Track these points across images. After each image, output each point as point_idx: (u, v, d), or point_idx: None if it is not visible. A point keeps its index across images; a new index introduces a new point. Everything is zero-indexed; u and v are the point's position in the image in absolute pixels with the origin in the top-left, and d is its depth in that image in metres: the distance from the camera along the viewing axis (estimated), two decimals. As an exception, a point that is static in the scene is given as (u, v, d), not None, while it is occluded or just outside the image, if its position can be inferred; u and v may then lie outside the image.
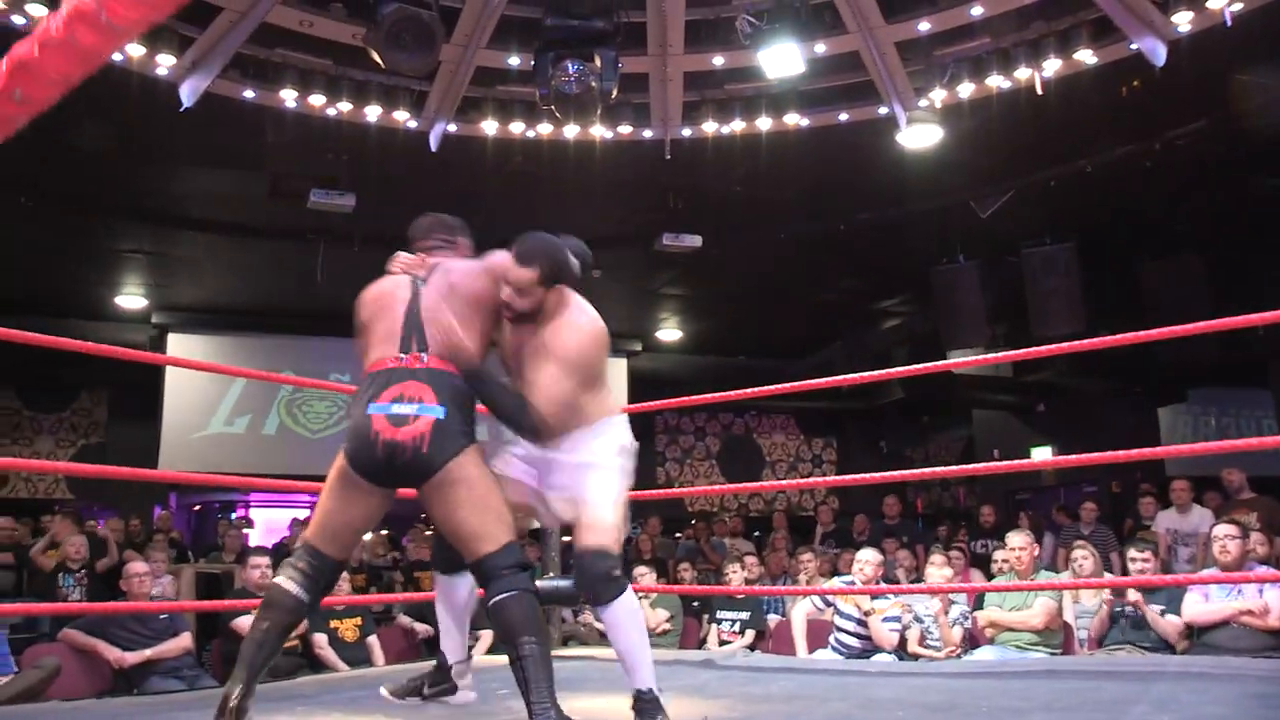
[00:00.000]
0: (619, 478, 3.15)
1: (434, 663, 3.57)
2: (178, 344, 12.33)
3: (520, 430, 3.12)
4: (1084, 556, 6.44)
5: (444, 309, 3.04)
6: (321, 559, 2.99)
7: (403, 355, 2.97)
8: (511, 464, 3.23)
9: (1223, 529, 5.68)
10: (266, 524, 13.59)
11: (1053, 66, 7.21)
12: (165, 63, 6.95)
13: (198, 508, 15.32)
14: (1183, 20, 6.69)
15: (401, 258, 3.28)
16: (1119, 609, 5.80)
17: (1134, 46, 6.97)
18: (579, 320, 3.15)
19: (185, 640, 6.12)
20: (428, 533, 10.53)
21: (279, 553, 8.40)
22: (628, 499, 3.19)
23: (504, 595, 2.84)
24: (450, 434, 2.86)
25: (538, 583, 3.79)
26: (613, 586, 3.00)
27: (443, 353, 2.98)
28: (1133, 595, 5.68)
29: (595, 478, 3.09)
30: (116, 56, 6.31)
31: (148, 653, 5.85)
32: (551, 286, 3.11)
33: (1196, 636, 5.49)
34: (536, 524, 3.73)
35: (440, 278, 3.13)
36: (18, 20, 6.30)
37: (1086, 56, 7.13)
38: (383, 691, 3.35)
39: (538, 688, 2.75)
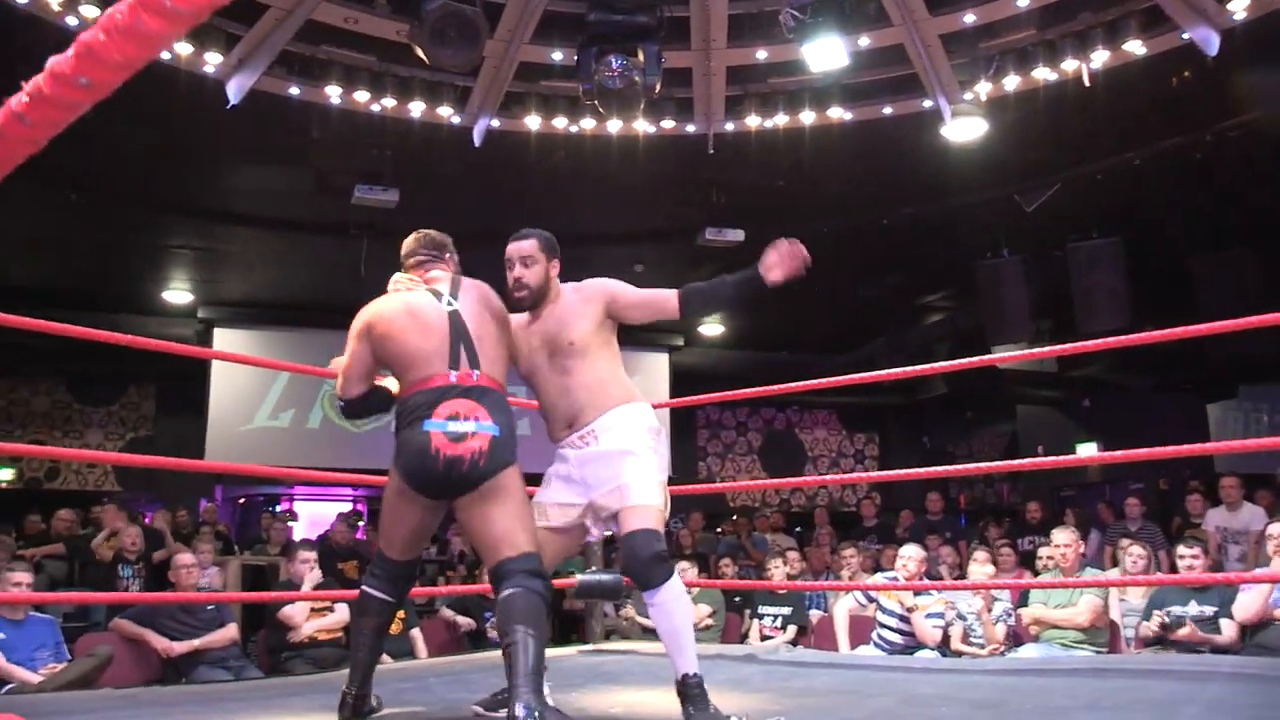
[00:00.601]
0: (655, 460, 3.18)
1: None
2: (223, 338, 12.47)
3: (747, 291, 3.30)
4: (1139, 555, 6.35)
5: (486, 324, 3.18)
6: (392, 564, 3.27)
7: (453, 372, 3.05)
8: (557, 490, 3.26)
9: (1277, 527, 5.59)
10: (310, 517, 13.70)
11: (1100, 58, 7.11)
12: (212, 60, 7.03)
13: (242, 501, 15.47)
14: (1239, 7, 6.55)
15: (399, 279, 3.40)
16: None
17: (1186, 36, 6.86)
18: (591, 284, 3.31)
19: (232, 631, 6.22)
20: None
21: (323, 545, 8.50)
22: (666, 480, 3.22)
23: (510, 591, 2.91)
24: (504, 449, 3.01)
25: (580, 577, 3.81)
26: (662, 569, 3.00)
27: (490, 370, 3.11)
28: (1183, 631, 5.53)
29: (632, 463, 3.11)
30: (164, 55, 6.39)
31: (195, 643, 5.96)
32: (552, 259, 3.29)
33: (1249, 637, 5.41)
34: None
35: (472, 293, 3.24)
36: (71, 21, 6.40)
37: (1136, 47, 7.02)
38: (475, 708, 3.35)
39: (523, 674, 2.77)
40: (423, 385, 3.06)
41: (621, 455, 3.12)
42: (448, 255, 3.43)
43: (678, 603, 3.03)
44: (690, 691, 2.97)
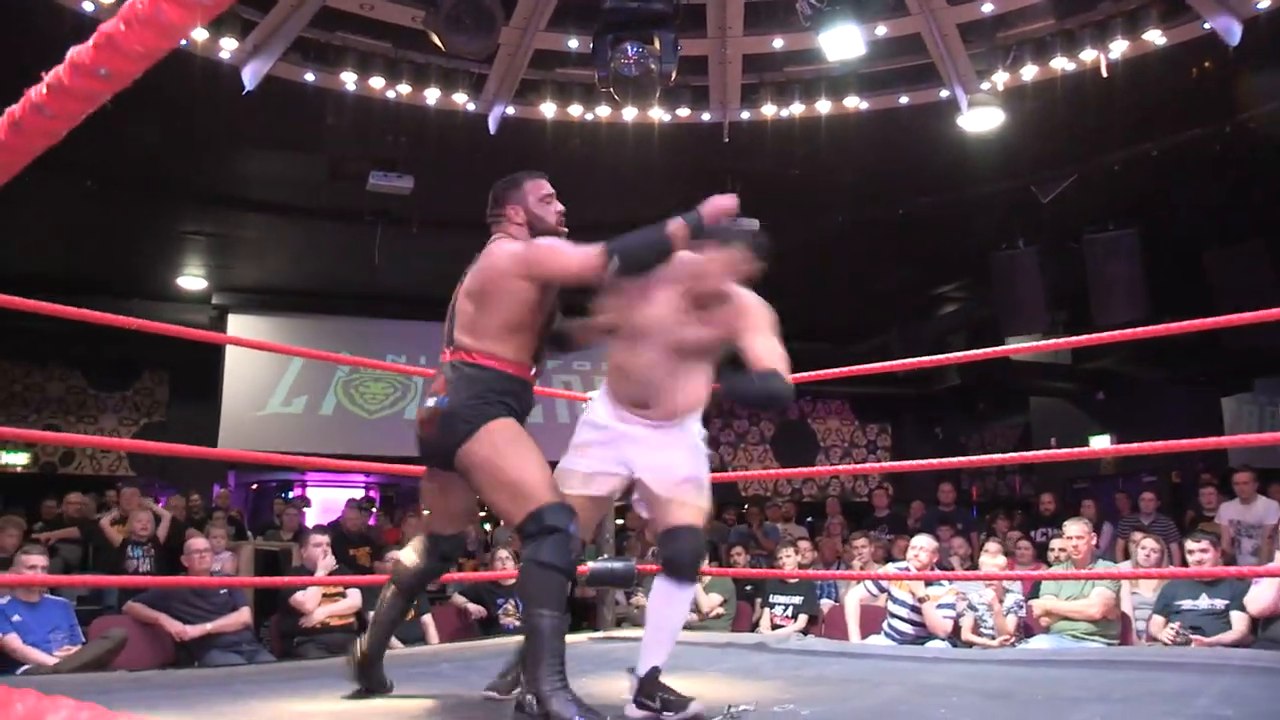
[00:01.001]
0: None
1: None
2: (237, 324, 12.52)
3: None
4: (1152, 548, 6.33)
5: (471, 292, 3.08)
6: (434, 538, 3.34)
7: (446, 349, 3.11)
8: (598, 458, 3.14)
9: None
10: (323, 503, 13.77)
11: (1119, 48, 7.08)
12: (228, 46, 7.05)
13: (255, 486, 15.54)
14: (1263, -5, 6.52)
15: None
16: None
17: (1207, 26, 6.82)
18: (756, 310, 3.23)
19: (244, 615, 6.24)
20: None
21: (335, 531, 8.53)
22: None
23: (522, 566, 2.88)
24: (452, 422, 2.95)
25: (591, 564, 3.80)
26: (699, 568, 3.09)
27: (466, 338, 3.04)
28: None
29: (703, 462, 3.15)
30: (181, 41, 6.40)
31: (208, 626, 5.98)
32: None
33: (1261, 630, 5.39)
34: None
35: (481, 259, 3.13)
36: (87, 7, 6.41)
37: (1155, 37, 6.99)
38: (486, 694, 3.32)
39: (533, 660, 2.73)
40: None
41: (698, 450, 3.15)
42: (500, 210, 3.23)
43: (689, 604, 3.13)
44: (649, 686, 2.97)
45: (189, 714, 3.08)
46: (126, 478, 12.72)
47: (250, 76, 7.24)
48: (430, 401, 3.01)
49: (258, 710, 3.18)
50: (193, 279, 12.19)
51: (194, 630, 5.94)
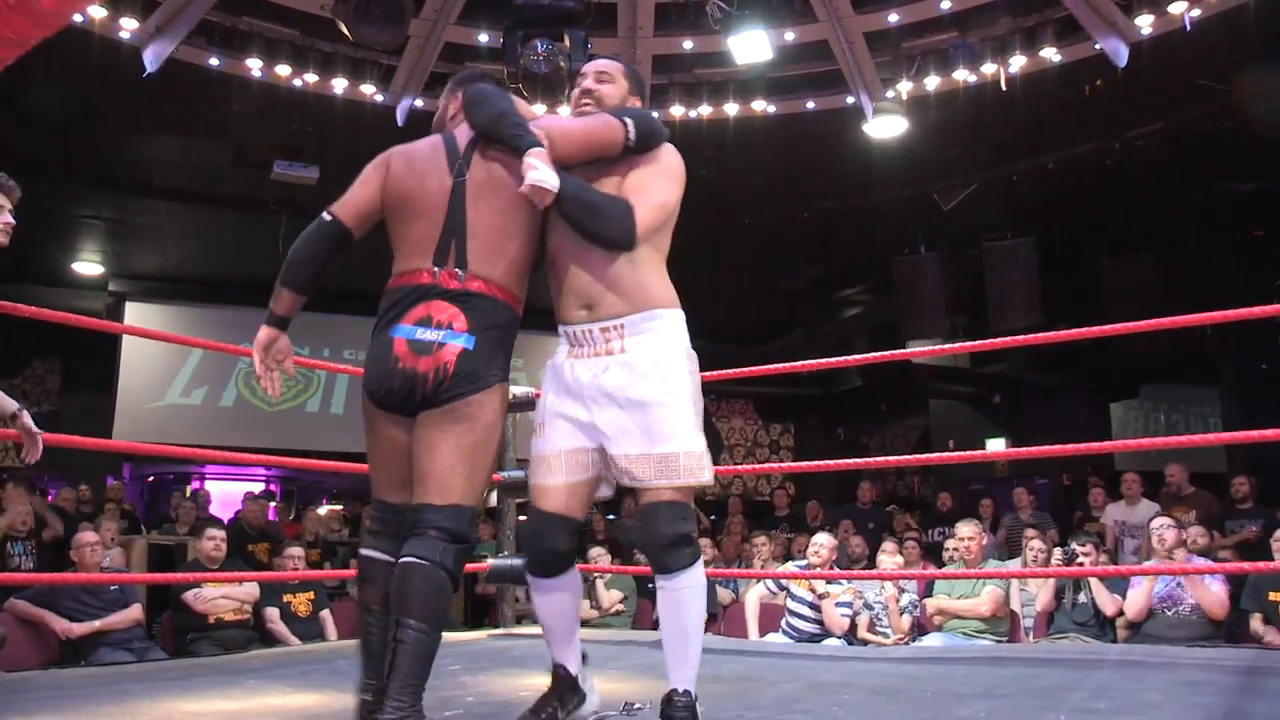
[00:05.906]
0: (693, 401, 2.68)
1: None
2: (135, 313, 12.20)
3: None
4: (1040, 548, 6.59)
5: (491, 208, 2.59)
6: (391, 509, 2.62)
7: (437, 269, 2.53)
8: (564, 432, 2.58)
9: (1160, 522, 5.85)
10: (221, 497, 13.47)
11: (1018, 63, 7.30)
12: (128, 26, 6.87)
13: (151, 479, 15.15)
14: (1145, 22, 6.81)
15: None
16: (1061, 584, 6.08)
17: (1098, 46, 7.08)
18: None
19: (135, 612, 6.06)
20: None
21: (234, 526, 8.35)
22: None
23: (411, 561, 2.38)
24: (476, 367, 2.47)
25: (491, 561, 3.80)
26: (689, 552, 2.51)
27: (485, 272, 2.54)
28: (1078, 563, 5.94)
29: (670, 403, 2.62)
30: (77, 17, 6.22)
31: (96, 624, 5.79)
32: (634, 94, 2.86)
33: (1136, 626, 5.62)
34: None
35: (481, 164, 2.65)
36: None
37: (1051, 54, 7.23)
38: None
39: (402, 677, 2.30)
40: (401, 282, 2.57)
41: (659, 384, 2.56)
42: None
43: (700, 595, 2.51)
44: (676, 714, 2.46)
45: (69, 716, 3.01)
46: (13, 468, 12.30)
47: (152, 58, 7.06)
48: (432, 335, 2.47)
49: (144, 710, 3.11)
50: (89, 264, 11.83)
51: (81, 628, 5.74)
